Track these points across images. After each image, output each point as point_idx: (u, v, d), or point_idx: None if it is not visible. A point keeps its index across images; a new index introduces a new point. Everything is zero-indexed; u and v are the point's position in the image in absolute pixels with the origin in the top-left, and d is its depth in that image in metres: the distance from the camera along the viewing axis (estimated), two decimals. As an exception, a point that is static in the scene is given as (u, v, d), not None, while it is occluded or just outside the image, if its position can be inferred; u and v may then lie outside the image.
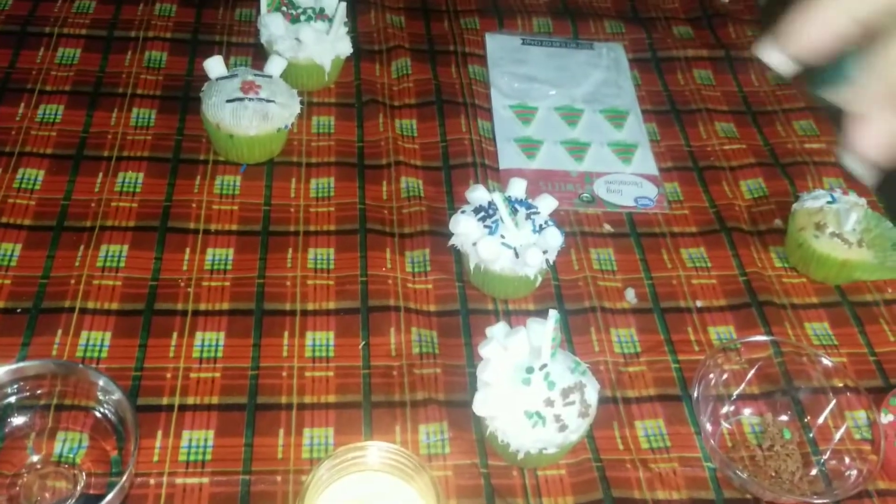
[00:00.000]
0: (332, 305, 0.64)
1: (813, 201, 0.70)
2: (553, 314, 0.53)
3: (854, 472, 0.57)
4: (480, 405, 0.54)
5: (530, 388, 0.53)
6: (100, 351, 0.59)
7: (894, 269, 0.68)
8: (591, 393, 0.55)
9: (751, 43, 0.93)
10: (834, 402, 0.61)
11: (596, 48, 0.89)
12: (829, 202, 0.69)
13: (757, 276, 0.70)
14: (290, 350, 0.61)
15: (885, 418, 0.59)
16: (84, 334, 0.60)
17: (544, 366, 0.53)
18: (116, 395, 0.52)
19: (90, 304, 0.61)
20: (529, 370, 0.53)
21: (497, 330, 0.56)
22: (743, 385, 0.62)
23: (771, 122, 0.85)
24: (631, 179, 0.77)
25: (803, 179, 0.79)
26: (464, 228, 0.64)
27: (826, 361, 0.61)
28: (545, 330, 0.53)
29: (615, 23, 0.93)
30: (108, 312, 0.61)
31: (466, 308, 0.66)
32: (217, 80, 0.71)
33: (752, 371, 0.62)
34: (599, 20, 0.93)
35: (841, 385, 0.61)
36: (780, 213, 0.76)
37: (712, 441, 0.58)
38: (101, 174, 0.70)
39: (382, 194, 0.73)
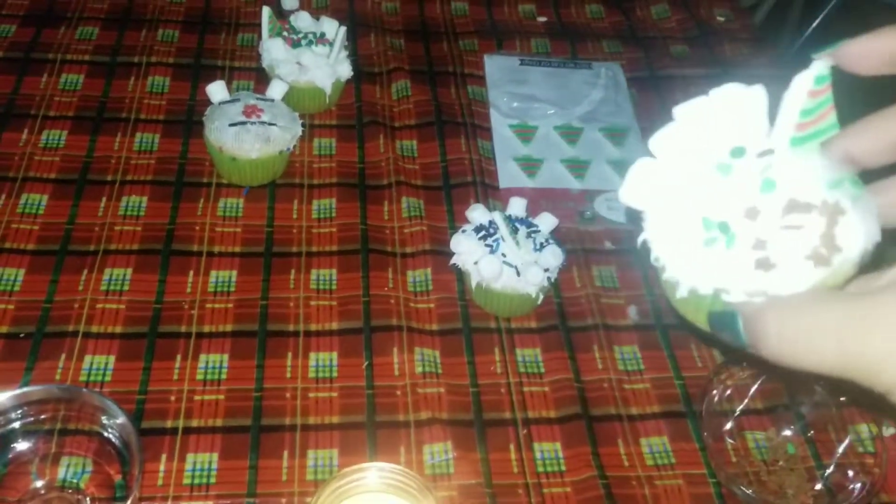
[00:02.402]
0: (335, 326, 0.64)
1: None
2: (819, 64, 0.34)
3: (858, 486, 0.57)
4: (630, 190, 0.35)
5: (727, 182, 0.33)
6: (104, 375, 0.59)
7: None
8: (854, 232, 0.31)
9: (746, 60, 0.94)
10: (837, 415, 0.60)
11: (594, 67, 0.90)
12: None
13: (758, 291, 0.71)
14: (293, 371, 0.61)
15: (888, 431, 0.59)
16: (88, 358, 0.60)
17: (768, 152, 0.33)
18: (120, 419, 0.52)
19: (94, 328, 0.62)
20: (737, 152, 0.33)
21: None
22: (746, 400, 0.62)
23: (769, 138, 0.86)
24: (631, 197, 0.77)
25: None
26: (465, 247, 0.64)
27: (829, 376, 0.61)
28: (791, 92, 0.33)
29: (613, 42, 0.94)
30: (112, 336, 0.62)
31: (469, 327, 0.66)
32: (220, 104, 0.72)
33: (756, 386, 0.62)
34: (597, 40, 0.94)
35: (843, 399, 0.61)
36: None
37: (717, 457, 0.57)
38: (104, 198, 0.71)
39: (384, 214, 0.73)
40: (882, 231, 0.33)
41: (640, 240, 0.35)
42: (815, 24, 1.18)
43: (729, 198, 0.32)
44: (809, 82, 0.33)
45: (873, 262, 0.33)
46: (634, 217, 0.36)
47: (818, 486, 0.58)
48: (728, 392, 0.62)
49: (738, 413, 0.62)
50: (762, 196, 0.32)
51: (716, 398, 0.61)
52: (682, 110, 0.35)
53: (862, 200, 0.32)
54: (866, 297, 0.28)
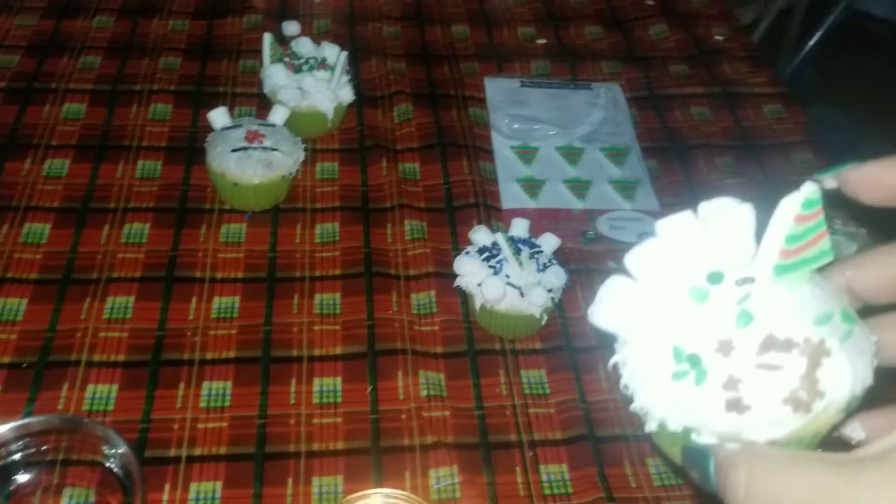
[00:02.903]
0: (339, 351, 0.64)
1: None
2: (810, 187, 0.30)
3: None
4: (601, 310, 0.32)
5: (701, 310, 0.30)
6: (106, 404, 0.59)
7: None
8: (839, 375, 0.29)
9: (745, 79, 0.94)
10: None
11: (594, 88, 0.91)
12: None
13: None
14: (297, 397, 0.61)
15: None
16: (90, 387, 0.60)
17: (748, 280, 0.30)
18: (122, 449, 0.52)
19: (96, 357, 0.61)
20: (714, 277, 0.30)
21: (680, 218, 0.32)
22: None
23: (770, 155, 0.86)
24: (633, 216, 0.77)
25: (806, 211, 0.79)
26: (468, 269, 0.64)
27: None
28: (777, 216, 0.30)
29: (612, 63, 0.94)
30: (115, 364, 0.61)
31: (474, 349, 0.65)
32: (222, 130, 0.72)
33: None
34: (597, 61, 0.94)
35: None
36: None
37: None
38: (107, 226, 0.71)
39: (387, 237, 0.73)
40: (882, 370, 0.30)
41: (610, 363, 0.33)
42: (812, 42, 1.18)
43: (702, 328, 0.29)
44: (797, 206, 0.30)
45: (870, 403, 0.31)
46: (605, 338, 0.33)
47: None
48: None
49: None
50: (738, 329, 0.29)
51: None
52: (664, 225, 0.32)
53: (854, 338, 0.30)
54: (849, 468, 0.25)
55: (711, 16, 1.03)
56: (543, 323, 0.66)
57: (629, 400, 0.32)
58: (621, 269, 0.74)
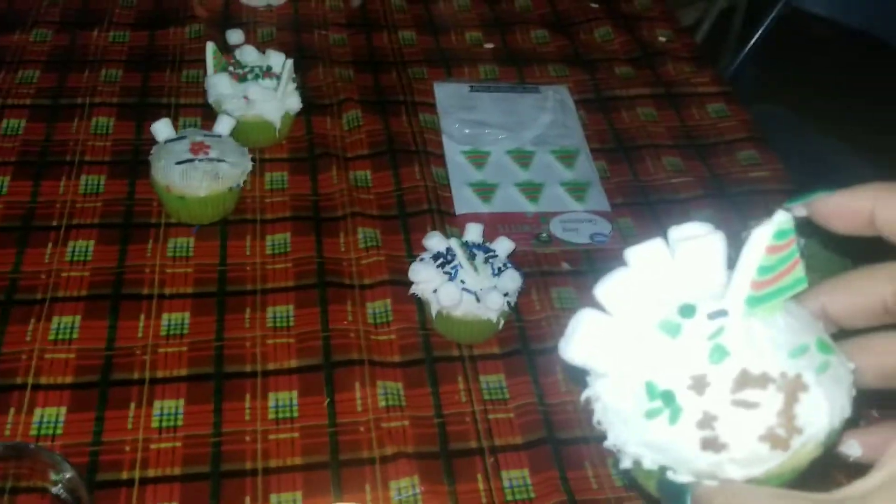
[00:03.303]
0: (293, 364, 0.63)
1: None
2: (782, 217, 0.30)
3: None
4: (572, 345, 0.31)
5: (674, 344, 0.29)
6: (55, 427, 0.57)
7: None
8: (817, 410, 0.29)
9: (689, 79, 0.96)
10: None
11: (542, 91, 0.91)
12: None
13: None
14: (252, 413, 0.60)
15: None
16: (38, 411, 0.58)
17: (721, 313, 0.29)
18: (70, 474, 0.50)
19: (43, 380, 0.60)
20: (686, 311, 0.30)
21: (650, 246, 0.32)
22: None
23: (715, 153, 0.87)
24: (585, 217, 0.78)
25: (750, 208, 0.80)
26: (423, 276, 0.64)
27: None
28: (748, 248, 0.30)
29: (559, 66, 0.95)
30: (62, 387, 0.59)
31: (431, 356, 0.65)
32: (166, 142, 0.71)
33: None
34: (544, 65, 0.95)
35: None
36: (731, 241, 0.77)
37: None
38: (50, 244, 0.69)
39: (340, 247, 0.72)
40: (861, 393, 0.30)
41: (582, 397, 0.32)
42: (753, 41, 1.21)
43: (675, 364, 0.29)
44: (768, 237, 0.29)
45: (849, 425, 0.30)
46: (576, 374, 0.32)
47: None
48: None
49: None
50: (711, 365, 0.28)
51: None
52: (634, 254, 0.31)
53: (831, 369, 0.29)
54: None
55: (654, 17, 1.05)
56: (500, 327, 0.66)
57: (602, 436, 0.31)
58: (576, 271, 0.74)
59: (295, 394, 0.61)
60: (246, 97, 0.76)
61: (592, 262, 0.74)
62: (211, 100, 0.78)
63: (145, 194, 0.74)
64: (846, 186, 0.32)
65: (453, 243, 0.64)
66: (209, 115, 0.79)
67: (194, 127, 0.79)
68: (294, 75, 0.79)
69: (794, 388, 0.28)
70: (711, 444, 0.28)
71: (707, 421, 0.28)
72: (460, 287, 0.62)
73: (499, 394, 0.63)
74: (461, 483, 0.57)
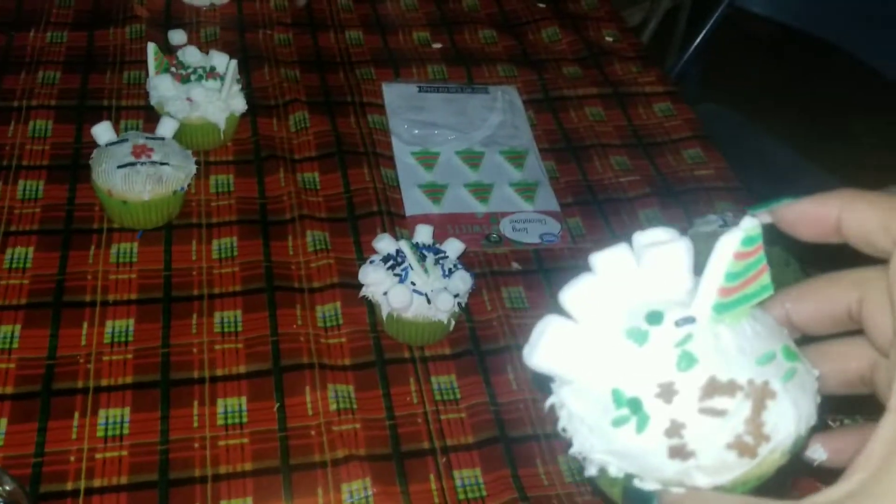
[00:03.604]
0: (242, 369, 0.62)
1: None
2: (749, 223, 0.30)
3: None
4: (537, 352, 0.30)
5: (641, 352, 0.29)
6: (-6, 440, 0.56)
7: (784, 283, 0.71)
8: (784, 417, 0.29)
9: (635, 78, 0.97)
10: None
11: (491, 92, 0.91)
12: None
13: (662, 301, 0.72)
14: (200, 420, 0.59)
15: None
16: (-24, 424, 0.56)
17: (689, 320, 0.29)
18: (10, 487, 0.49)
19: (-20, 391, 0.58)
20: (653, 318, 0.30)
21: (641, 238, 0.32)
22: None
23: (661, 152, 0.88)
24: (535, 217, 0.78)
25: (696, 205, 0.82)
26: (373, 278, 0.63)
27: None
28: (716, 254, 0.29)
29: (507, 66, 0.95)
30: (3, 398, 0.58)
31: (382, 358, 0.65)
32: (107, 145, 0.69)
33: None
34: (492, 65, 0.95)
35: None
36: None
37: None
38: (-14, 252, 0.67)
39: (288, 250, 0.71)
40: (826, 399, 0.30)
41: (547, 404, 0.32)
42: (698, 41, 1.23)
43: (643, 371, 0.28)
44: (736, 244, 0.29)
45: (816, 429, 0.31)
46: (541, 381, 0.32)
47: None
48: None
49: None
50: (679, 373, 0.28)
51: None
52: (599, 260, 0.31)
53: (797, 376, 0.29)
54: None
55: (601, 17, 1.06)
56: (451, 328, 0.66)
57: (567, 444, 0.31)
58: (525, 270, 0.75)
59: (244, 399, 0.60)
60: (189, 99, 0.74)
61: (542, 261, 0.75)
62: (153, 102, 0.77)
63: (87, 199, 0.72)
64: (788, 183, 0.33)
65: (403, 245, 0.64)
66: (151, 117, 0.78)
67: (136, 129, 0.77)
68: (238, 76, 0.78)
69: (761, 396, 0.28)
70: (679, 453, 0.28)
71: (675, 429, 0.28)
72: (411, 289, 0.62)
73: (450, 394, 0.63)
74: (414, 483, 0.57)
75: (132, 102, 0.82)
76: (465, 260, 0.67)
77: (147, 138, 0.70)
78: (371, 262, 0.65)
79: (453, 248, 0.66)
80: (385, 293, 0.63)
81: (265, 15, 0.97)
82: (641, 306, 0.30)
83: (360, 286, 0.64)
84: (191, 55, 0.77)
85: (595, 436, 0.30)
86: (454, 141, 0.85)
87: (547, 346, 0.30)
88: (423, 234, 0.67)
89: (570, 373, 0.30)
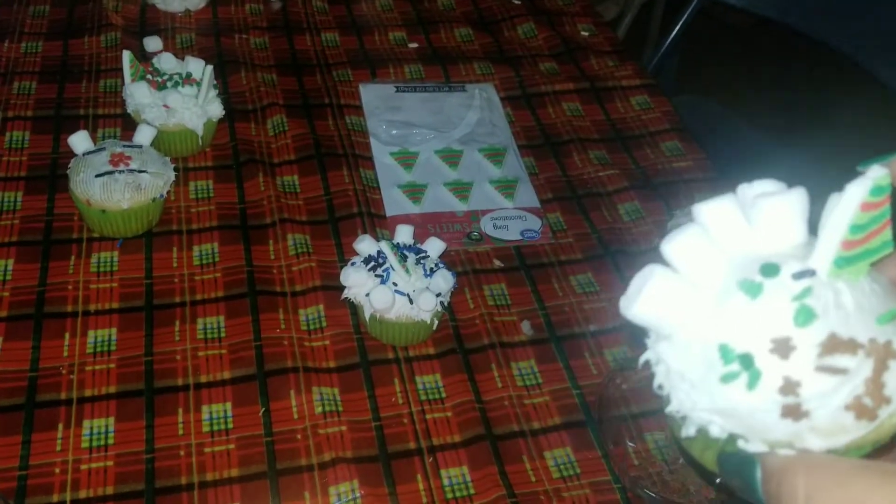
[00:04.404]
0: (226, 375, 0.62)
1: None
2: (877, 171, 0.27)
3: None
4: (636, 302, 0.29)
5: (754, 305, 0.27)
6: (-23, 455, 0.55)
7: None
8: None
9: (612, 72, 0.97)
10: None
11: (468, 90, 0.92)
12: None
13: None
14: (185, 427, 0.59)
15: None
16: (-42, 439, 0.56)
17: (808, 273, 0.27)
18: (-3, 502, 0.48)
19: (-38, 406, 0.57)
20: (768, 270, 0.28)
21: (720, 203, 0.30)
22: (642, 402, 0.64)
23: (640, 145, 0.89)
24: (515, 214, 0.79)
25: (676, 198, 0.83)
26: (355, 280, 0.64)
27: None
28: (842, 203, 0.27)
29: (484, 64, 0.96)
30: (-16, 412, 0.57)
31: (367, 360, 0.65)
32: (84, 155, 0.69)
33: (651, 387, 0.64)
34: (469, 63, 0.96)
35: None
36: (657, 231, 0.79)
37: (619, 462, 0.59)
38: (-36, 265, 0.66)
39: (270, 254, 0.71)
40: None
41: (641, 360, 0.30)
42: (674, 34, 1.24)
43: (756, 326, 0.27)
44: (864, 193, 0.26)
45: None
46: (636, 332, 0.30)
47: (719, 480, 0.60)
48: (624, 396, 0.63)
49: (635, 416, 0.63)
50: (796, 328, 0.26)
51: (612, 403, 0.62)
52: (704, 210, 0.29)
53: None
54: None
55: (576, 13, 1.07)
56: (435, 328, 0.66)
57: (665, 401, 0.29)
58: (507, 268, 0.75)
59: (229, 405, 0.60)
60: (166, 105, 0.74)
61: (524, 258, 0.75)
62: (130, 109, 0.76)
63: (65, 209, 0.71)
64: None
65: (384, 246, 0.64)
66: (129, 125, 0.78)
67: (113, 138, 0.77)
68: (215, 81, 0.78)
69: (884, 356, 0.26)
70: (793, 412, 0.26)
71: (790, 387, 0.26)
72: (393, 290, 0.62)
73: (435, 394, 0.63)
74: (401, 484, 0.58)
75: (109, 111, 0.81)
76: (447, 259, 0.67)
77: (125, 146, 0.69)
78: (352, 263, 0.65)
79: (434, 247, 0.67)
80: (367, 294, 0.63)
81: (240, 19, 0.96)
82: (753, 258, 0.28)
83: (343, 288, 0.65)
84: (166, 62, 0.77)
85: (698, 392, 0.28)
86: (433, 140, 0.85)
87: (649, 296, 0.28)
88: (404, 234, 0.67)
89: (672, 325, 0.29)
